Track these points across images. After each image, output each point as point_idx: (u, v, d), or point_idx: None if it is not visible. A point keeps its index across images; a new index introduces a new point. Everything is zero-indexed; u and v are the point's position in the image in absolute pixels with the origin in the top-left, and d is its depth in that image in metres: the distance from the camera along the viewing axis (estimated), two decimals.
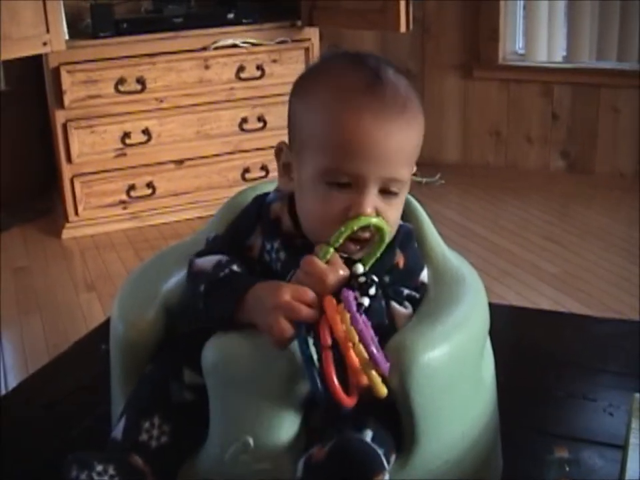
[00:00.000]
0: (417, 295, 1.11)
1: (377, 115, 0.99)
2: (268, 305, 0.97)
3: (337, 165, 1.00)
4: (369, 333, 0.95)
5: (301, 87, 1.08)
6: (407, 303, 1.08)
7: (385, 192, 1.02)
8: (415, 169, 1.09)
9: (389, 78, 1.02)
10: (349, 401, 0.94)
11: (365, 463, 0.91)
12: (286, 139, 1.12)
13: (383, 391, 0.94)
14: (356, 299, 0.96)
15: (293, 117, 1.09)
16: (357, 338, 0.94)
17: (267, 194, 1.17)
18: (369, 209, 1.00)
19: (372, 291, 0.98)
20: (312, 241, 1.05)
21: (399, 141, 1.00)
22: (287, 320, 0.96)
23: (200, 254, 1.13)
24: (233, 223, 1.19)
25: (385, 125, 0.99)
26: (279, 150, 1.11)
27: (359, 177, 1.00)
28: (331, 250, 0.99)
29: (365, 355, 0.94)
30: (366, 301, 0.98)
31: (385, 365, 0.96)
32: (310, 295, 0.97)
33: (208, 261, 1.08)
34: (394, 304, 1.06)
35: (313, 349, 0.95)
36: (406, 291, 1.09)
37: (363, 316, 0.96)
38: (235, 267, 1.06)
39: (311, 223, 1.05)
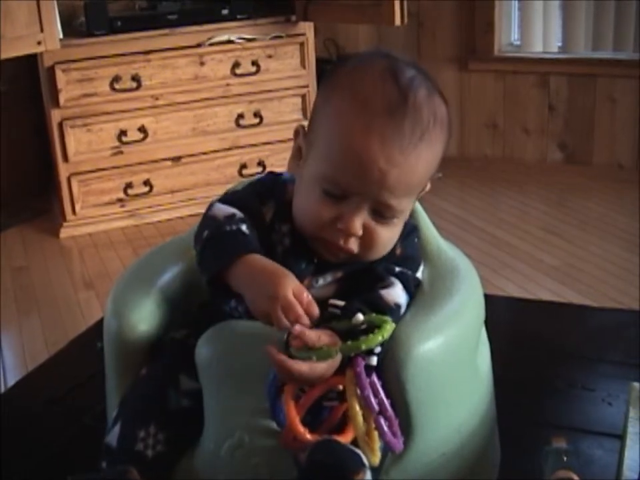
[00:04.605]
0: (409, 272, 1.10)
1: (385, 142, 0.97)
2: (268, 291, 0.95)
3: (334, 176, 1.00)
4: (383, 410, 0.94)
5: (330, 82, 1.05)
6: (392, 279, 1.07)
7: (379, 214, 1.01)
8: (428, 186, 1.08)
9: (416, 102, 0.98)
10: (309, 438, 0.94)
11: (343, 463, 0.91)
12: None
13: (375, 460, 0.94)
14: (363, 358, 0.96)
15: (315, 109, 1.07)
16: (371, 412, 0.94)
17: (280, 173, 1.15)
18: (355, 227, 1.00)
19: (378, 349, 0.97)
20: (300, 231, 1.05)
21: (402, 172, 0.98)
22: (281, 313, 0.95)
23: (221, 200, 1.10)
24: (248, 188, 1.15)
25: (392, 154, 0.97)
26: (296, 132, 1.09)
27: (353, 194, 0.99)
28: (333, 353, 0.94)
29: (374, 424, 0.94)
30: (374, 360, 0.97)
31: (397, 445, 0.94)
32: (306, 297, 0.96)
33: (223, 210, 1.06)
34: (380, 291, 1.05)
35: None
36: (397, 268, 1.08)
37: (374, 376, 0.96)
38: (244, 227, 1.03)
39: (301, 220, 1.05)
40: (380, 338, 0.94)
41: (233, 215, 1.05)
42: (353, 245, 1.02)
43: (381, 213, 1.01)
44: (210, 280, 1.02)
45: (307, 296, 0.96)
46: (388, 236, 1.04)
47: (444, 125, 1.02)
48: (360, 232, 1.01)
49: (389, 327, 0.96)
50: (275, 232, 1.09)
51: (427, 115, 0.99)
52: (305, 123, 1.10)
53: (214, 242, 1.03)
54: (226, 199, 1.11)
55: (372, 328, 0.96)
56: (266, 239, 1.08)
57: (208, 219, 1.06)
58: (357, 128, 0.98)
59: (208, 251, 1.03)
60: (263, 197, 1.11)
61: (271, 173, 1.17)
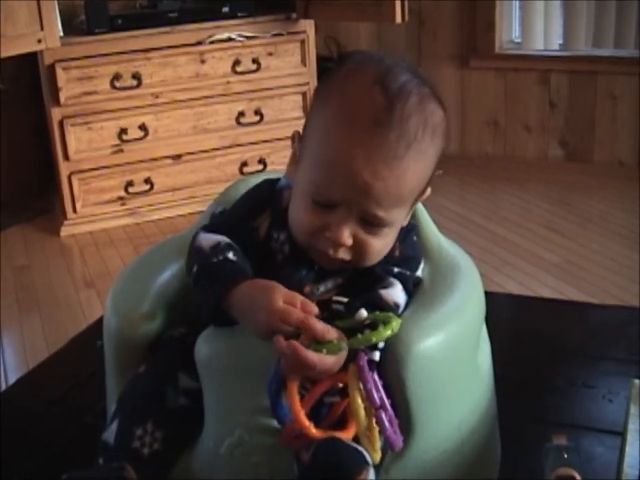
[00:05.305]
0: (408, 272, 1.09)
1: (370, 155, 0.96)
2: (263, 308, 0.96)
3: (321, 186, 0.99)
4: (383, 408, 0.94)
5: (323, 88, 1.04)
6: (392, 279, 1.07)
7: (368, 224, 1.01)
8: (428, 191, 1.07)
9: (404, 112, 0.97)
10: (315, 432, 0.94)
11: (346, 463, 0.92)
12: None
13: (376, 457, 0.95)
14: (366, 353, 0.96)
15: (308, 115, 1.06)
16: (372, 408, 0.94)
17: (278, 179, 1.15)
18: (343, 237, 0.99)
19: (381, 344, 0.98)
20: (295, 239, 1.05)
21: (389, 184, 0.97)
22: (281, 323, 0.95)
23: (206, 228, 1.10)
24: (242, 200, 1.16)
25: (376, 167, 0.96)
26: (293, 137, 1.09)
27: (340, 204, 0.99)
28: (343, 346, 0.95)
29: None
30: (376, 356, 0.98)
31: (397, 442, 0.94)
32: (298, 300, 0.96)
33: (209, 240, 1.06)
34: (379, 291, 1.05)
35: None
36: (396, 269, 1.08)
37: (375, 375, 0.96)
38: (230, 255, 1.03)
39: (294, 228, 1.05)
40: (389, 332, 0.95)
41: (218, 244, 1.05)
42: (343, 254, 1.01)
43: (370, 223, 1.01)
44: (209, 315, 1.02)
45: (299, 299, 0.96)
46: (380, 245, 1.03)
47: (436, 133, 1.00)
48: (348, 242, 1.00)
49: (396, 322, 0.96)
50: (273, 240, 1.09)
51: (415, 125, 0.97)
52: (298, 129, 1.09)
53: (204, 275, 1.03)
54: (211, 224, 1.12)
55: (376, 324, 0.96)
56: (262, 250, 1.08)
57: (195, 252, 1.07)
58: (342, 139, 0.97)
59: (200, 287, 1.04)
60: (258, 205, 1.11)
61: (268, 180, 1.17)
